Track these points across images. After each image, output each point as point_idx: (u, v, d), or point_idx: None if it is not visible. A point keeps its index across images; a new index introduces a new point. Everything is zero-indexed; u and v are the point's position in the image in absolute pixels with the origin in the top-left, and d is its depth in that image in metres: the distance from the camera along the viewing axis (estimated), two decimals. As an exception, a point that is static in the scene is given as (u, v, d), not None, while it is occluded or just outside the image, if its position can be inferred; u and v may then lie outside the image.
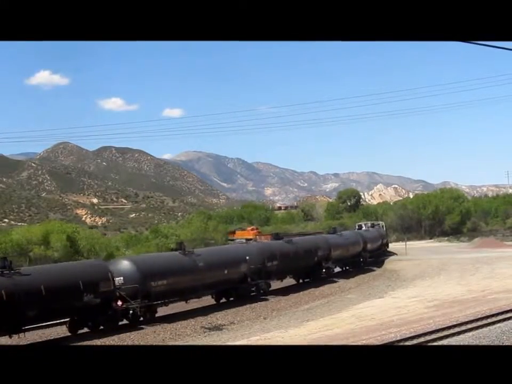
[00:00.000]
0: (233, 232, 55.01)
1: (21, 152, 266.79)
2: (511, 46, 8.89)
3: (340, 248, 41.26)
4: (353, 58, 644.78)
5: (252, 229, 54.87)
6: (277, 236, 38.15)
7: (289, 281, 37.37)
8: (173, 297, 27.14)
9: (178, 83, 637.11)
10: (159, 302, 26.23)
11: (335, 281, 38.04)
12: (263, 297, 31.12)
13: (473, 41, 6.34)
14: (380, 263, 46.70)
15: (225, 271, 29.30)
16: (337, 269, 43.11)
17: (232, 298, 30.33)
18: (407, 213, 76.93)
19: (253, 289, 31.22)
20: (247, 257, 30.75)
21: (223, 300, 30.39)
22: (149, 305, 25.16)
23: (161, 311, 27.77)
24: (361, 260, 45.23)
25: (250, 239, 51.17)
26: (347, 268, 44.11)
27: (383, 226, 55.71)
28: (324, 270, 38.63)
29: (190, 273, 27.29)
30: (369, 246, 46.68)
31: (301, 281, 37.86)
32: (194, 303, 29.10)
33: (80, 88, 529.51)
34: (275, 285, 34.66)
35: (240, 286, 30.41)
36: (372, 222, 57.19)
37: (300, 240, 39.57)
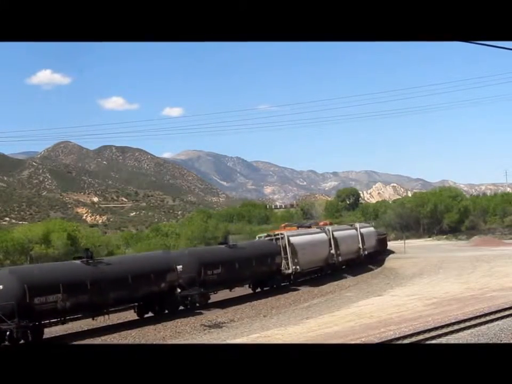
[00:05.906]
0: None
1: (22, 151, 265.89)
2: (511, 45, 8.99)
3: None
4: (351, 57, 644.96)
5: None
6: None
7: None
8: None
9: (179, 82, 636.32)
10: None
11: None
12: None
13: (473, 41, 6.44)
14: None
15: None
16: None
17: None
18: (406, 212, 77.11)
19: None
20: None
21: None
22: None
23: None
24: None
25: None
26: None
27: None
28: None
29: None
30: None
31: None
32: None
33: (81, 88, 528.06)
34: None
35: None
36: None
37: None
